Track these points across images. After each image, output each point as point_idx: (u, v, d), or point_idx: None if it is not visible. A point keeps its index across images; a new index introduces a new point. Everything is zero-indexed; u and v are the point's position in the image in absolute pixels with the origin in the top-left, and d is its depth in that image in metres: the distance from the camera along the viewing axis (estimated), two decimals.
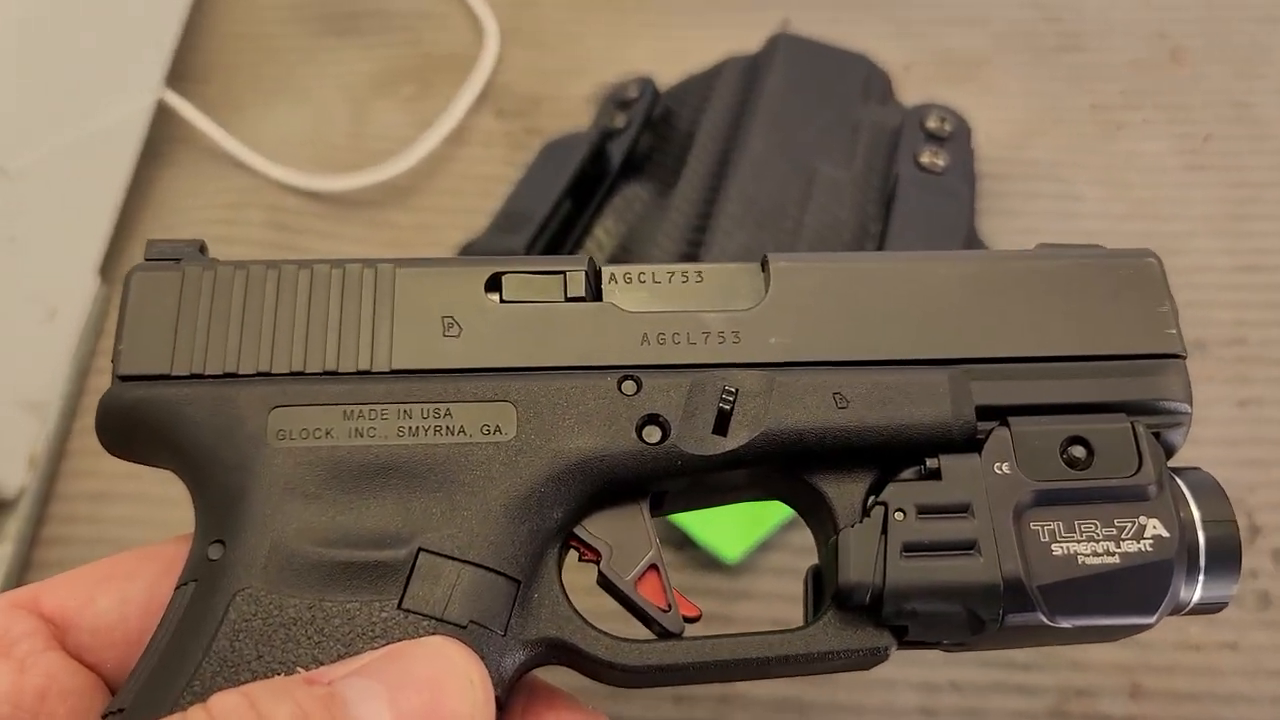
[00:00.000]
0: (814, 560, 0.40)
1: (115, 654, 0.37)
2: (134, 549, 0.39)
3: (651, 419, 0.37)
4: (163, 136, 0.79)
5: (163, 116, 0.78)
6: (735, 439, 0.37)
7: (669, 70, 0.77)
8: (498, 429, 0.36)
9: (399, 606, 0.34)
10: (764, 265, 0.40)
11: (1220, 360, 0.69)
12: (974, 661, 0.60)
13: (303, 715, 0.28)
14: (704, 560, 0.62)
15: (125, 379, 0.37)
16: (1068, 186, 0.77)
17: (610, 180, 0.68)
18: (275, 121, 0.81)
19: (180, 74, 0.82)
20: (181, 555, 0.37)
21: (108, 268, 0.73)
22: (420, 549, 0.35)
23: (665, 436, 0.37)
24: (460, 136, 0.79)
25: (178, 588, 0.35)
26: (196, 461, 0.36)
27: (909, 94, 0.78)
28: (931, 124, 0.68)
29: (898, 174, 0.64)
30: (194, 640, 0.33)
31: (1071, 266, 0.40)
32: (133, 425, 0.37)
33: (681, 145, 0.69)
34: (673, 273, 0.39)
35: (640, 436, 0.37)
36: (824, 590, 0.38)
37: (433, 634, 0.33)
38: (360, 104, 0.82)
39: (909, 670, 0.60)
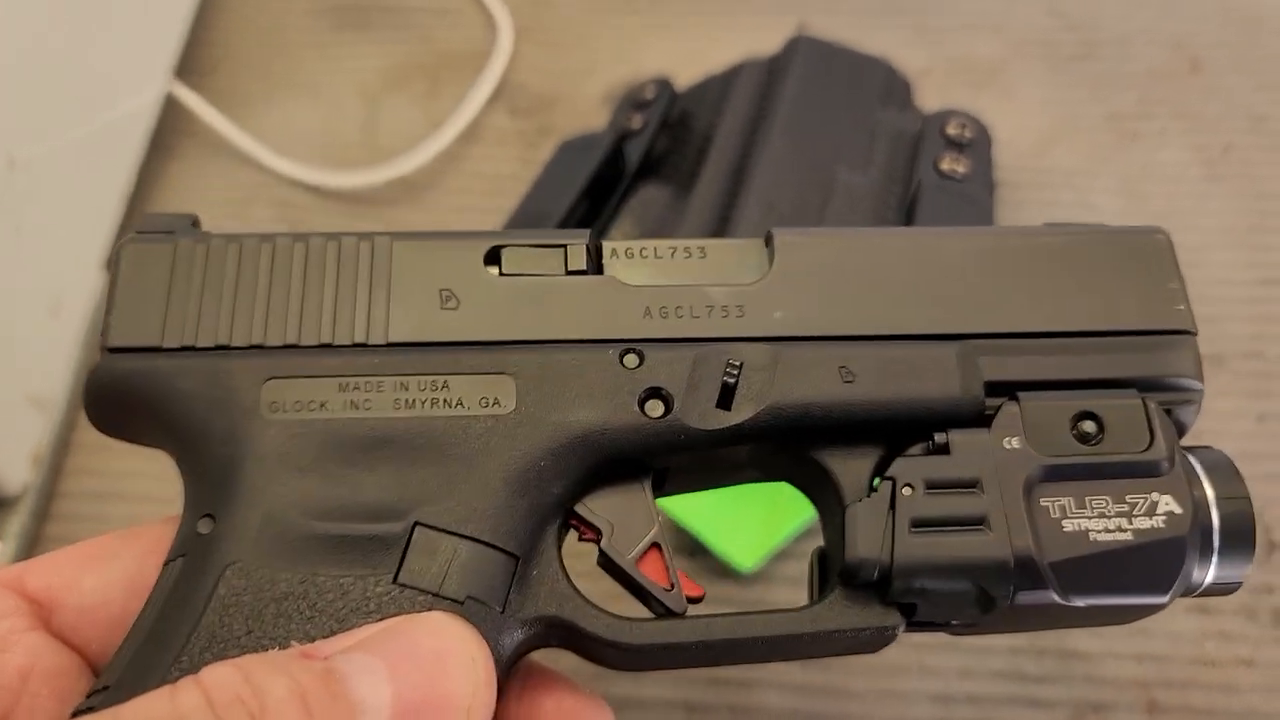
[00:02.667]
0: None
1: (99, 634, 0.36)
2: (118, 530, 0.38)
3: (654, 392, 0.36)
4: (171, 130, 0.78)
5: (171, 110, 0.77)
6: (740, 413, 0.36)
7: (684, 71, 0.77)
8: (496, 401, 0.36)
9: (394, 581, 0.33)
10: (768, 240, 0.39)
11: (1238, 374, 0.68)
12: (989, 674, 0.59)
13: (299, 690, 0.27)
14: (718, 569, 0.61)
15: (114, 350, 0.36)
16: (1085, 195, 0.76)
17: (627, 181, 0.67)
18: (285, 116, 0.80)
19: (189, 67, 0.81)
20: (167, 536, 0.36)
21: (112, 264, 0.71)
22: (416, 523, 0.34)
23: (668, 410, 0.36)
24: (473, 134, 0.78)
25: (166, 564, 0.34)
26: (187, 435, 0.35)
27: (925, 100, 0.77)
28: (952, 130, 0.67)
29: (920, 180, 0.64)
30: (182, 616, 0.32)
31: (1080, 242, 0.40)
32: (122, 398, 0.36)
33: (699, 147, 0.68)
34: (675, 248, 0.39)
35: (643, 410, 0.36)
36: (830, 571, 0.37)
37: (429, 609, 0.33)
38: (372, 100, 0.81)
39: (924, 682, 0.59)
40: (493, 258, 0.38)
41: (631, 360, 0.36)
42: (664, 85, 0.72)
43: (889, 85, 0.71)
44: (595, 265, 0.38)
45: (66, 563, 0.37)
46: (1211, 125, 0.79)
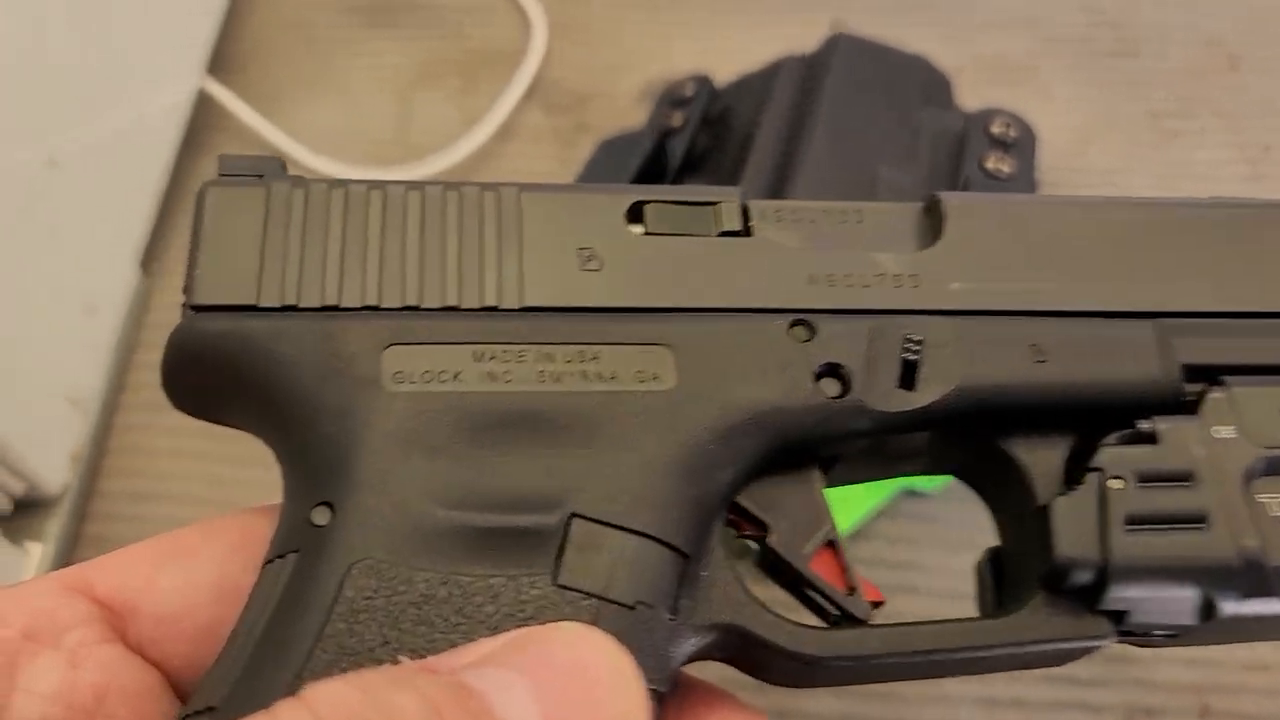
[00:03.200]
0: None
1: (182, 648, 0.32)
2: (195, 523, 0.33)
3: (830, 369, 0.32)
4: (204, 126, 0.77)
5: (204, 106, 0.76)
6: (926, 394, 0.33)
7: (717, 67, 0.76)
8: (655, 376, 0.31)
9: (555, 582, 0.29)
10: (932, 206, 0.36)
11: None
12: (1038, 677, 0.59)
13: (432, 709, 0.22)
14: None
15: (201, 309, 0.31)
16: (1123, 195, 0.75)
17: (670, 179, 0.67)
18: (318, 113, 0.79)
19: (220, 63, 0.80)
20: (254, 530, 0.32)
21: (148, 260, 0.71)
22: (573, 514, 0.29)
23: (846, 389, 0.32)
24: (508, 132, 0.78)
25: (269, 561, 0.30)
26: (292, 409, 0.30)
27: (960, 99, 0.77)
28: (996, 129, 0.66)
29: (967, 178, 0.63)
30: (300, 623, 0.28)
31: (1271, 216, 0.37)
32: (211, 365, 0.31)
33: (739, 144, 0.68)
34: (828, 210, 0.35)
35: (818, 388, 0.32)
36: (1008, 575, 0.34)
37: (595, 615, 0.28)
38: (404, 97, 0.81)
39: (971, 686, 0.59)
40: (635, 215, 0.34)
41: (801, 333, 0.33)
42: (703, 82, 0.71)
43: (929, 83, 0.71)
44: (744, 226, 0.35)
45: (138, 561, 0.32)
46: (1251, 124, 0.78)
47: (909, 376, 0.33)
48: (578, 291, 0.33)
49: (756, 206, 0.35)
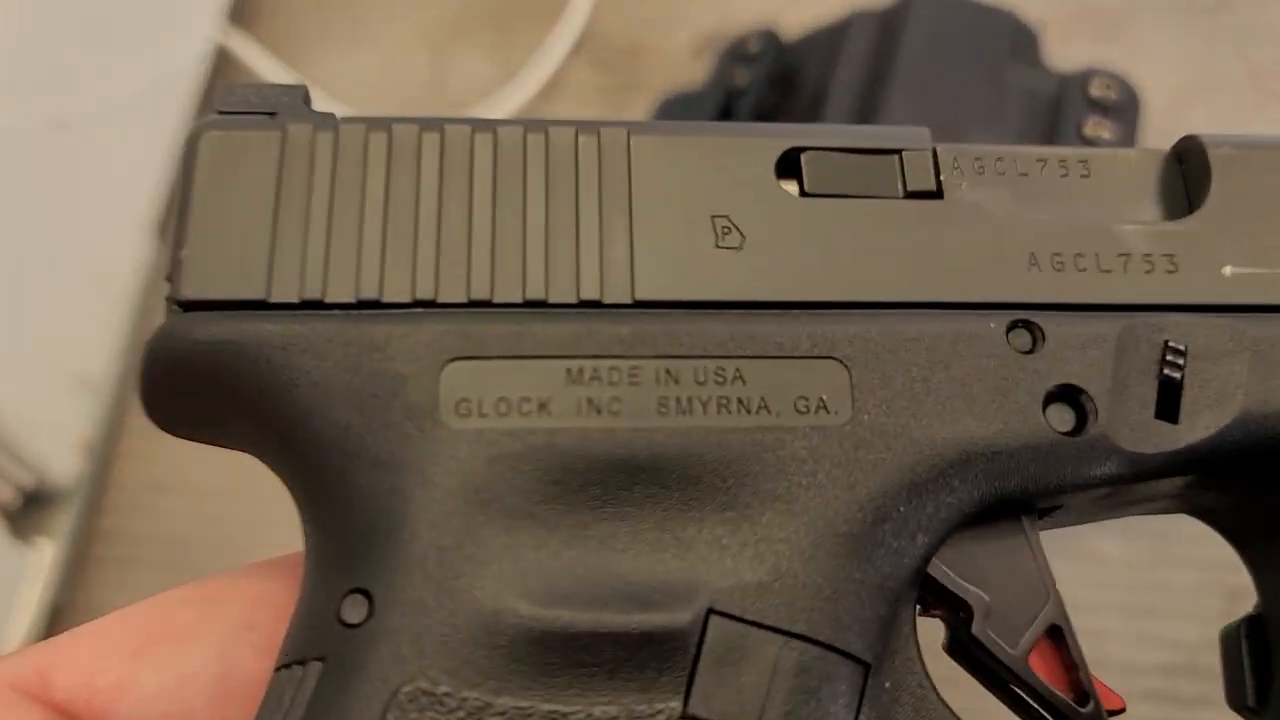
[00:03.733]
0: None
1: None
2: (191, 584, 0.25)
3: (1064, 392, 0.24)
4: (222, 83, 0.72)
5: (223, 61, 0.71)
6: (1195, 427, 0.24)
7: (780, 20, 0.70)
8: (822, 404, 0.23)
9: (684, 712, 0.21)
10: (1190, 153, 0.26)
11: None
12: (1140, 694, 0.53)
13: None
14: None
15: (191, 306, 0.23)
16: None
17: None
18: (345, 67, 0.74)
19: (242, 12, 0.74)
20: (267, 600, 0.24)
21: (163, 229, 0.66)
22: (710, 610, 0.21)
23: (1082, 422, 0.23)
24: (552, 89, 0.72)
25: (283, 668, 0.22)
26: (314, 452, 0.23)
27: (1046, 55, 0.71)
28: (1096, 91, 0.60)
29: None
30: None
31: None
32: (204, 384, 0.23)
33: (809, 105, 0.62)
34: (1044, 159, 0.26)
35: (1047, 420, 0.24)
36: (1278, 659, 0.26)
37: None
38: (438, 50, 0.75)
39: None
40: (788, 167, 0.25)
41: (1022, 339, 0.24)
42: (769, 38, 0.66)
43: (1015, 38, 0.65)
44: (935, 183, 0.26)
45: (114, 647, 0.24)
46: None
47: (1170, 402, 0.24)
48: (711, 279, 0.24)
49: (947, 154, 0.25)
